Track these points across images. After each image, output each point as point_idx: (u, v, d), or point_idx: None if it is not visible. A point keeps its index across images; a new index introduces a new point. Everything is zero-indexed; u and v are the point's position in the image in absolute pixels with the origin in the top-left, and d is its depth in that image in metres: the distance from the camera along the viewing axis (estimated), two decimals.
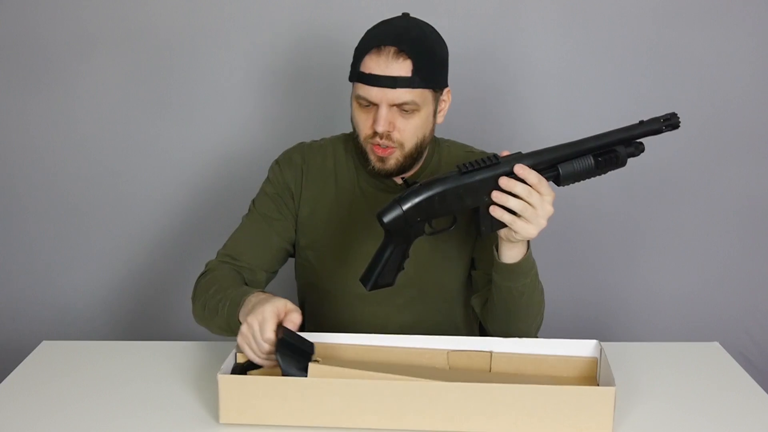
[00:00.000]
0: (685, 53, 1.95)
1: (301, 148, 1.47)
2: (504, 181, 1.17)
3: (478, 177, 1.18)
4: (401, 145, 1.31)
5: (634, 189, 2.02)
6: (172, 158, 2.03)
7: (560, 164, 1.18)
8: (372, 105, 1.29)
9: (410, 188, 1.19)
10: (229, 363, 1.18)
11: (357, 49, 1.31)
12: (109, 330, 2.08)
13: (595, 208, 2.03)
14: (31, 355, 1.39)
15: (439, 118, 1.36)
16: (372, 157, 1.33)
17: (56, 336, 1.52)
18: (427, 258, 1.40)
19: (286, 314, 1.16)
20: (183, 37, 1.96)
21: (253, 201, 1.46)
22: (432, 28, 1.32)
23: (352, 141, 1.44)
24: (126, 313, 2.10)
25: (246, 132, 2.02)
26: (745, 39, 1.94)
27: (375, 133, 1.29)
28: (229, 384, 1.11)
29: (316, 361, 1.13)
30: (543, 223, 1.18)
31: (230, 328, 1.25)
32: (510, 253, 1.25)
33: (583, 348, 1.25)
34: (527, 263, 1.26)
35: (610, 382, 1.11)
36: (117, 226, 2.06)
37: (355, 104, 1.32)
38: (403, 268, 1.23)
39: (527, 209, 1.17)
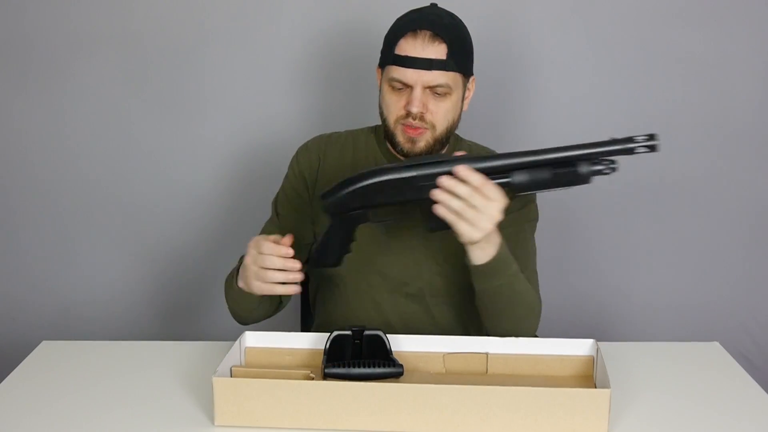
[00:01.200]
0: (690, 52, 1.94)
1: (320, 138, 1.48)
2: (444, 181, 1.15)
3: (419, 172, 1.16)
4: (433, 127, 1.32)
5: (633, 188, 2.01)
6: (174, 159, 2.03)
7: (515, 171, 1.15)
8: (405, 88, 1.31)
9: (357, 173, 1.19)
10: (225, 365, 1.18)
11: (389, 35, 1.34)
12: (109, 330, 2.08)
13: (595, 208, 2.02)
14: (31, 355, 1.39)
15: (465, 105, 1.38)
16: (401, 139, 1.34)
17: (56, 336, 1.53)
18: (436, 252, 1.40)
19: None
20: (197, 33, 1.95)
21: (274, 203, 1.48)
22: (459, 18, 1.35)
23: (374, 134, 1.46)
24: (126, 314, 2.10)
25: (247, 132, 2.02)
26: (745, 39, 1.93)
27: (407, 115, 1.31)
28: (224, 386, 1.11)
29: (311, 377, 1.14)
30: (487, 227, 1.16)
31: (239, 294, 1.31)
32: (477, 254, 1.23)
33: (580, 347, 1.25)
34: (498, 264, 1.24)
35: (605, 382, 1.11)
36: (117, 227, 2.06)
37: (386, 88, 1.33)
38: (350, 251, 1.24)
39: (468, 211, 1.15)
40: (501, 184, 1.16)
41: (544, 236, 2.01)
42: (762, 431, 1.13)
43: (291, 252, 1.21)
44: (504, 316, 1.32)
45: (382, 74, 1.36)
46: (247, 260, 1.25)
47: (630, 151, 1.12)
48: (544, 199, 1.99)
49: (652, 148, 1.11)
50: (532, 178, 1.14)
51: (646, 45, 1.94)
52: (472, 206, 1.15)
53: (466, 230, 1.16)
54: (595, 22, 1.94)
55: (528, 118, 1.99)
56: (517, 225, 1.39)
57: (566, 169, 1.13)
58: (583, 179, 1.13)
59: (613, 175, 2.12)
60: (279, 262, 1.21)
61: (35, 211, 2.06)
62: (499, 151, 1.44)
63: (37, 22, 1.96)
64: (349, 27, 1.94)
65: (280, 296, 1.45)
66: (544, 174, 1.14)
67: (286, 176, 1.48)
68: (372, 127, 1.48)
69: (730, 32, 1.93)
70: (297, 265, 1.22)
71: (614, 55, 1.95)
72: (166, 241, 2.08)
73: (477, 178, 1.15)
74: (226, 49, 1.97)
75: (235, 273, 1.35)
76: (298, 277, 1.22)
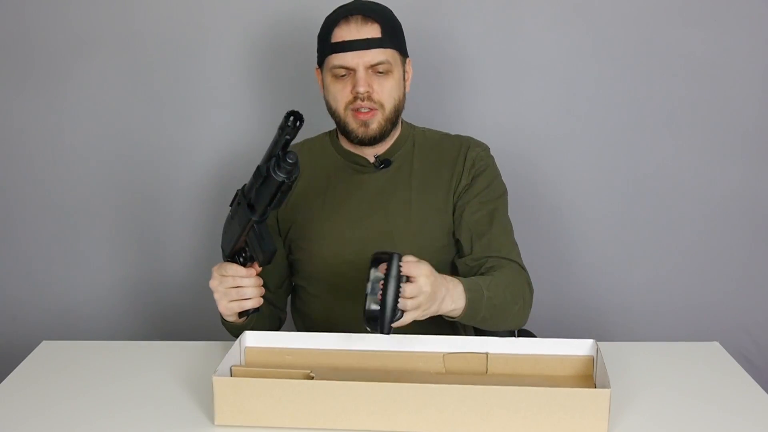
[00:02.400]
0: (684, 51, 1.94)
1: None
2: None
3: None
4: (381, 106, 1.36)
5: (633, 188, 2.01)
6: (174, 159, 2.03)
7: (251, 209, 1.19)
8: (348, 73, 1.35)
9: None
10: (225, 365, 1.18)
11: (322, 30, 1.39)
12: (109, 330, 2.08)
13: (595, 208, 2.02)
14: (31, 355, 1.40)
15: (407, 87, 1.42)
16: (354, 126, 1.38)
17: (56, 336, 1.53)
18: (412, 240, 1.42)
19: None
20: (198, 33, 1.95)
21: None
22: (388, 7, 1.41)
23: (328, 136, 1.50)
24: (126, 314, 2.10)
25: (246, 131, 2.02)
26: (745, 39, 1.93)
27: (355, 98, 1.35)
28: (224, 386, 1.11)
29: (311, 377, 1.14)
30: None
31: (229, 325, 1.36)
32: (448, 314, 1.25)
33: (580, 347, 1.24)
34: (471, 308, 1.25)
35: (605, 382, 1.11)
36: (117, 227, 2.06)
37: (329, 78, 1.37)
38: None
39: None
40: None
41: (544, 236, 2.02)
42: (762, 431, 1.13)
43: (252, 272, 1.27)
44: (498, 324, 1.36)
45: (322, 72, 1.40)
46: (212, 284, 1.28)
47: (277, 143, 1.10)
48: (545, 199, 2.01)
49: (284, 129, 1.08)
50: (258, 196, 1.17)
51: (646, 45, 1.94)
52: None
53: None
54: (594, 20, 1.93)
55: (527, 119, 1.99)
56: (489, 204, 1.43)
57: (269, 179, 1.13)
58: (273, 181, 1.14)
59: (614, 175, 2.13)
60: (245, 281, 1.27)
61: (35, 210, 2.06)
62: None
63: (37, 22, 1.96)
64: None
65: (279, 316, 1.50)
66: (268, 187, 1.14)
67: None
68: (327, 132, 1.52)
69: (730, 32, 1.93)
70: (257, 281, 1.28)
71: (613, 55, 1.95)
72: (167, 240, 2.08)
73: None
74: (227, 49, 1.97)
75: None
76: (258, 292, 1.28)
